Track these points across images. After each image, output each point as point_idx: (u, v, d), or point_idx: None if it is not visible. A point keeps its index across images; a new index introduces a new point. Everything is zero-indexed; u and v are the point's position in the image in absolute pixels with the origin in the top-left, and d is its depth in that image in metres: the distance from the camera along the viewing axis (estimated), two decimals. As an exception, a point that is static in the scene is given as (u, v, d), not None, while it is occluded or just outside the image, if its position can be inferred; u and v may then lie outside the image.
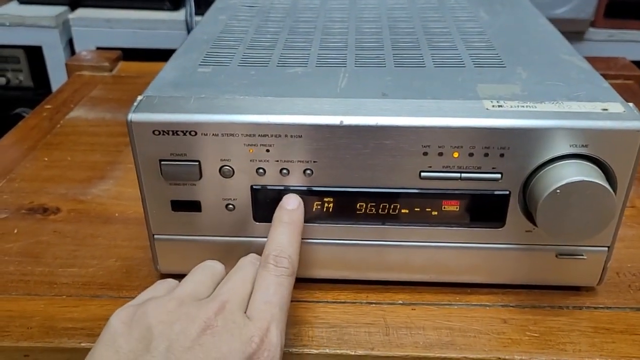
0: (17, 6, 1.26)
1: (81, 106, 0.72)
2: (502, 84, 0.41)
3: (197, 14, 1.23)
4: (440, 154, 0.37)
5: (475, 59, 0.46)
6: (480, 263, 0.41)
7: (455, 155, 0.36)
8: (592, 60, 0.47)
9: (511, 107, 0.37)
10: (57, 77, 1.26)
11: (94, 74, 0.81)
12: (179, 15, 1.26)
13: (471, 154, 0.36)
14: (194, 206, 0.40)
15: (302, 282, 0.42)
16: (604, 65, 0.81)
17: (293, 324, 0.40)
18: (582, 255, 0.40)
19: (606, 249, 0.40)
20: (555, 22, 1.18)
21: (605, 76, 0.43)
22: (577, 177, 0.34)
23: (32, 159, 0.61)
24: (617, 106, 0.37)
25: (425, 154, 0.37)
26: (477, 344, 0.39)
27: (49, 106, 0.72)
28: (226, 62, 0.46)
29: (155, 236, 0.42)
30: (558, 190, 0.34)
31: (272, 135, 0.37)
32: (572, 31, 1.22)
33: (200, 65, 0.45)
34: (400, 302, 0.42)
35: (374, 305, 0.42)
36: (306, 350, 0.39)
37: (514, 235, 0.40)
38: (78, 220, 0.52)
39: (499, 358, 0.38)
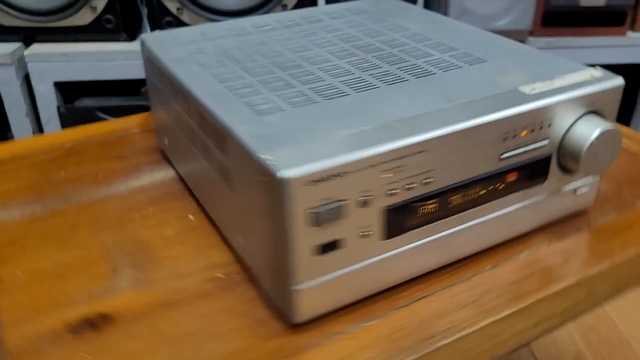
0: (-31, 45, 1.25)
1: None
2: (507, 73, 0.48)
3: (154, 43, 1.25)
4: (514, 136, 0.44)
5: (461, 60, 0.51)
6: (531, 215, 0.49)
7: (523, 134, 0.44)
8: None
9: (541, 89, 0.45)
10: (15, 114, 1.25)
11: None
12: (135, 45, 1.28)
13: (532, 130, 0.44)
14: (337, 245, 0.39)
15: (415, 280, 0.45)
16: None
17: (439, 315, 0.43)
18: (589, 185, 0.51)
19: (598, 178, 0.51)
20: (497, 33, 1.26)
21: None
22: (603, 127, 0.45)
23: (2, 282, 0.46)
24: (594, 72, 0.48)
25: (504, 139, 0.44)
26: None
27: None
28: (276, 107, 0.44)
29: (295, 287, 0.39)
30: (594, 141, 0.45)
31: (401, 157, 0.39)
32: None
33: (257, 116, 0.42)
34: (489, 267, 0.48)
35: (476, 276, 0.47)
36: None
37: (552, 185, 0.48)
38: (140, 317, 0.43)
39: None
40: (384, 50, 0.53)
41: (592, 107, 0.46)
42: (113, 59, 1.25)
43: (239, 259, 0.47)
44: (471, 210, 0.45)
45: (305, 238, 0.37)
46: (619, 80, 0.47)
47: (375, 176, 0.38)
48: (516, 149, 0.44)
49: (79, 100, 1.33)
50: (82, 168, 0.61)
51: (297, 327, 0.41)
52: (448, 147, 0.41)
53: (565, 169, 0.48)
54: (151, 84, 0.58)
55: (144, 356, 0.40)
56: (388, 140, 0.38)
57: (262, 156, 0.37)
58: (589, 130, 0.46)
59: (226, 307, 0.43)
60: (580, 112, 0.46)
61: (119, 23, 1.25)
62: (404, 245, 0.43)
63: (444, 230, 0.44)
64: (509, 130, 0.43)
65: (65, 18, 1.23)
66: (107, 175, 0.59)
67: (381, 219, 0.40)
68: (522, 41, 1.30)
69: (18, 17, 1.22)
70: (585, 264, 0.48)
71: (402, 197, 0.40)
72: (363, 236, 0.40)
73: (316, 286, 0.40)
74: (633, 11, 1.34)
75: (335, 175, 0.36)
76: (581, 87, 0.46)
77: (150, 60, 0.56)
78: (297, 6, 1.25)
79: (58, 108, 1.27)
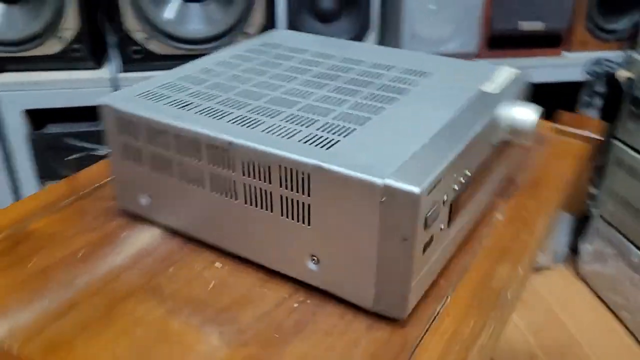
0: None
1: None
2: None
3: (123, 71, 1.30)
4: None
5: (406, 83, 0.59)
6: None
7: None
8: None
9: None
10: (-16, 141, 1.27)
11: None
12: (103, 72, 1.32)
13: None
14: (431, 239, 0.46)
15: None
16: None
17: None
18: None
19: None
20: (445, 56, 1.36)
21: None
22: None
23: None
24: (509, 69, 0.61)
25: None
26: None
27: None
28: (327, 139, 0.47)
29: (412, 285, 0.45)
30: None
31: (461, 159, 0.48)
32: (462, 63, 1.41)
33: (321, 149, 0.46)
34: None
35: None
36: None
37: None
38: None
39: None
40: (343, 77, 0.59)
41: None
42: (81, 87, 1.29)
43: (296, 290, 0.49)
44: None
45: (420, 240, 0.43)
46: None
47: (451, 176, 0.46)
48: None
49: (47, 126, 1.36)
50: (49, 248, 0.54)
51: (403, 322, 0.46)
52: (472, 148, 0.49)
53: None
54: (119, 147, 0.54)
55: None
56: (450, 148, 0.46)
57: (386, 180, 0.41)
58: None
59: (327, 330, 0.45)
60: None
61: (87, 52, 1.29)
62: (454, 229, 0.50)
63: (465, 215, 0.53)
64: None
65: (34, 48, 1.26)
66: (89, 252, 0.53)
67: (447, 211, 0.47)
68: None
69: (-14, 48, 1.25)
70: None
71: (457, 191, 0.48)
72: (442, 229, 0.47)
73: (418, 280, 0.46)
74: (567, 33, 1.47)
75: (439, 182, 0.43)
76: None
77: (124, 122, 0.53)
78: (259, 34, 1.31)
79: (27, 135, 1.30)
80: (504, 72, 0.61)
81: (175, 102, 0.53)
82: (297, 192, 0.45)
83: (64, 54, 1.28)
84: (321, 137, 0.47)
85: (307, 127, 0.49)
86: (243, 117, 0.50)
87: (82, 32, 1.27)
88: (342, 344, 0.44)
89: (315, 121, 0.50)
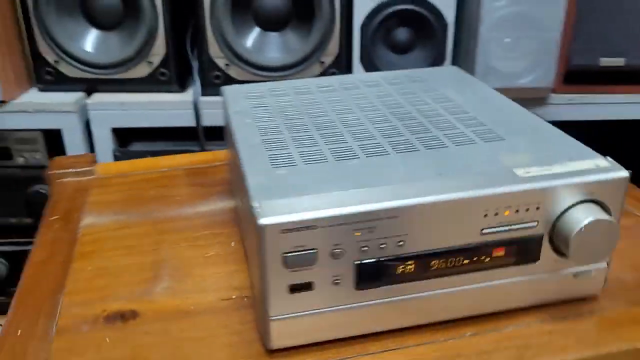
0: (37, 94, 1.39)
1: (88, 213, 0.71)
2: (515, 153, 0.52)
3: (202, 94, 1.37)
4: (496, 214, 0.47)
5: (479, 134, 0.56)
6: (523, 291, 0.52)
7: (506, 213, 0.47)
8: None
9: (536, 172, 0.48)
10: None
11: (79, 179, 0.80)
12: (186, 96, 1.40)
13: (517, 211, 0.48)
14: (308, 286, 0.46)
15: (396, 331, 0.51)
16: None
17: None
18: (592, 272, 0.52)
19: (606, 264, 0.52)
20: (519, 90, 1.35)
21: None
22: (593, 217, 0.47)
23: (77, 271, 0.60)
24: (603, 161, 0.50)
25: (485, 215, 0.47)
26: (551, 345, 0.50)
27: (55, 217, 0.71)
28: (292, 162, 0.51)
29: (271, 317, 0.47)
30: (582, 229, 0.47)
31: (374, 220, 0.45)
32: (536, 97, 1.39)
33: (272, 167, 0.51)
34: (469, 333, 0.51)
35: (452, 340, 0.51)
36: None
37: (547, 266, 0.51)
38: (160, 319, 0.53)
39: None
40: (416, 119, 0.60)
41: (591, 196, 0.48)
42: (165, 108, 1.37)
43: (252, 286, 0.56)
44: (455, 277, 0.49)
45: (278, 277, 0.45)
46: (622, 173, 0.48)
47: (346, 233, 0.44)
48: (499, 226, 0.47)
49: (132, 144, 1.45)
50: (167, 190, 0.75)
51: (274, 352, 0.49)
52: (420, 216, 0.45)
53: (559, 252, 0.50)
54: (227, 126, 0.66)
55: (148, 349, 0.50)
56: (359, 203, 0.44)
57: (253, 204, 0.44)
58: (580, 218, 0.47)
59: (227, 324, 0.53)
60: (576, 199, 0.48)
61: (172, 76, 1.38)
62: (378, 299, 0.48)
63: (424, 292, 0.49)
64: (489, 208, 0.46)
65: (124, 71, 1.36)
66: (184, 199, 0.73)
67: (352, 271, 0.46)
68: (544, 98, 1.38)
69: (81, 70, 1.35)
70: (566, 350, 0.49)
71: (373, 254, 0.45)
72: (335, 283, 0.46)
73: (290, 319, 0.47)
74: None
75: (306, 228, 0.43)
76: (577, 176, 0.48)
77: (224, 107, 0.67)
78: (334, 63, 1.36)
79: (113, 151, 1.39)
80: (584, 162, 0.50)
81: (259, 105, 0.66)
82: (242, 195, 0.56)
83: (151, 77, 1.37)
84: (290, 160, 0.53)
85: (296, 147, 0.55)
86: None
87: (168, 57, 1.35)
88: (221, 340, 0.51)
89: (315, 146, 0.55)
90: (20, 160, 1.44)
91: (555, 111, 1.41)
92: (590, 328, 0.51)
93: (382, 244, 0.45)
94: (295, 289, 0.46)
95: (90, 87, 1.39)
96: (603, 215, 0.47)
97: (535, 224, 0.48)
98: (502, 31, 1.32)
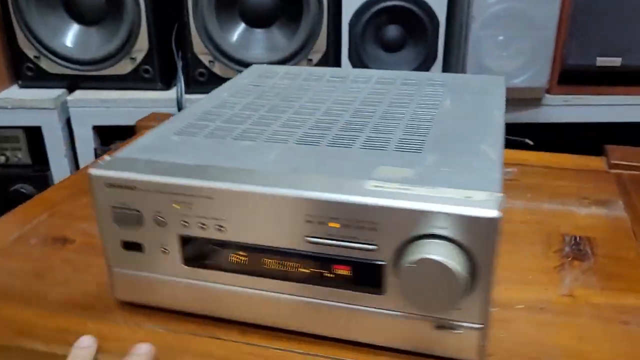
0: (17, 90, 1.35)
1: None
2: (402, 167, 0.45)
3: (186, 92, 1.34)
4: (321, 223, 0.42)
5: (401, 144, 0.50)
6: (366, 324, 0.45)
7: (332, 225, 0.42)
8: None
9: (387, 188, 0.42)
10: (56, 154, 1.34)
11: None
12: (170, 94, 1.36)
13: (347, 226, 0.41)
14: (138, 247, 0.48)
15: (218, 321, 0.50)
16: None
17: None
18: (458, 330, 0.43)
19: (480, 326, 0.42)
20: (513, 90, 1.31)
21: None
22: (424, 255, 0.39)
23: (73, 200, 0.72)
24: (482, 194, 0.40)
25: (308, 221, 0.42)
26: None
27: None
28: (198, 133, 0.54)
29: (113, 269, 0.50)
30: (412, 265, 0.39)
31: (189, 195, 0.45)
32: (530, 98, 1.35)
33: (174, 134, 0.54)
34: (299, 351, 0.47)
35: (275, 349, 0.48)
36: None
37: (394, 302, 0.43)
38: (86, 251, 0.61)
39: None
40: (368, 118, 0.57)
41: (441, 231, 0.40)
42: (148, 106, 1.33)
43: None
44: (294, 284, 0.45)
45: (110, 229, 0.48)
46: (488, 212, 0.39)
47: (165, 202, 0.46)
48: (326, 238, 0.42)
49: (114, 142, 1.41)
50: None
51: (125, 306, 0.52)
52: (235, 203, 0.44)
53: None
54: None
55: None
56: (177, 176, 0.45)
57: (106, 157, 0.49)
58: (415, 253, 0.40)
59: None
60: (422, 230, 0.40)
61: (156, 73, 1.34)
62: (207, 281, 0.48)
63: (257, 289, 0.47)
64: (311, 213, 0.42)
65: (106, 67, 1.32)
66: None
67: (177, 243, 0.47)
68: (539, 99, 1.34)
69: (63, 65, 1.32)
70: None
71: (195, 232, 0.46)
72: (163, 252, 0.48)
73: (130, 276, 0.50)
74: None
75: (126, 187, 0.46)
76: (426, 202, 0.40)
77: None
78: (321, 60, 1.32)
79: (95, 150, 1.35)
80: (461, 191, 0.42)
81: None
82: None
83: (135, 74, 1.34)
84: (208, 132, 0.55)
85: (234, 124, 0.56)
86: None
87: (152, 54, 1.32)
88: (79, 277, 0.58)
89: (259, 126, 0.56)
90: (1, 159, 1.40)
91: (550, 112, 1.37)
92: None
93: (202, 224, 0.45)
94: (127, 246, 0.48)
95: (72, 83, 1.36)
96: (440, 257, 0.39)
97: (373, 247, 0.42)
98: (495, 29, 1.28)
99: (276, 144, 0.51)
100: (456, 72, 1.34)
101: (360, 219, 0.41)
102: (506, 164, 0.75)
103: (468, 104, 0.61)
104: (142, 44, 1.31)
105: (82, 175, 0.79)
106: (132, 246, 0.48)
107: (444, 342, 0.44)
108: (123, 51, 1.31)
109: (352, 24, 1.31)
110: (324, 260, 0.43)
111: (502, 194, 0.41)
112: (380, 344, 0.46)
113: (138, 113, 1.32)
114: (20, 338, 0.50)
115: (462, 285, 0.39)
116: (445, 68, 1.37)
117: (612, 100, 1.37)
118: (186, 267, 0.48)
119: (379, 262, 0.42)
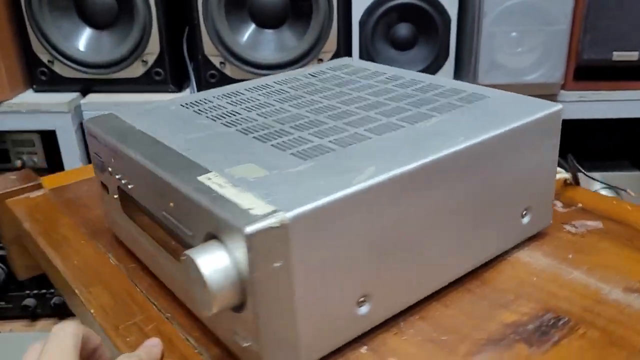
0: (32, 94, 1.37)
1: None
2: (263, 168, 0.44)
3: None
4: (166, 200, 0.45)
5: (310, 150, 0.47)
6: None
7: (171, 204, 0.44)
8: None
9: (213, 183, 0.41)
10: (70, 157, 1.35)
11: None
12: (181, 95, 1.36)
13: (178, 208, 0.43)
14: (106, 189, 0.57)
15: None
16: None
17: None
18: (245, 341, 0.41)
19: (256, 349, 0.39)
20: (527, 87, 1.28)
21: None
22: (189, 252, 0.38)
23: None
24: (267, 208, 0.37)
25: (162, 195, 0.45)
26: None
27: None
28: (193, 108, 0.58)
29: (103, 202, 0.60)
30: (183, 257, 0.38)
31: (119, 157, 0.52)
32: (545, 94, 1.32)
33: (180, 105, 0.59)
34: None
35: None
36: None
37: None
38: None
39: None
40: (347, 113, 0.54)
41: (220, 235, 0.38)
42: (160, 108, 1.34)
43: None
44: (156, 245, 0.50)
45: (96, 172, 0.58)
46: (247, 226, 0.35)
47: (111, 157, 0.53)
48: (169, 215, 0.45)
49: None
50: None
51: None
52: (132, 169, 0.49)
53: None
54: None
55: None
56: (116, 139, 0.51)
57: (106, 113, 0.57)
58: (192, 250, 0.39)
59: None
60: (211, 230, 0.39)
61: (167, 75, 1.35)
62: (133, 230, 0.54)
63: (148, 248, 0.52)
64: (162, 190, 0.44)
65: (119, 71, 1.33)
66: None
67: (117, 193, 0.54)
68: (554, 95, 1.32)
69: (76, 69, 1.33)
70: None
71: (123, 186, 0.52)
72: (114, 198, 0.55)
73: (107, 210, 0.59)
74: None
75: (96, 139, 0.55)
76: (214, 202, 0.39)
77: None
78: (332, 60, 1.31)
79: (108, 153, 1.37)
80: None
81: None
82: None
83: (146, 76, 1.34)
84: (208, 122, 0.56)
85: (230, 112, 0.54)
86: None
87: (163, 56, 1.32)
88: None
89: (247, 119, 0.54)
90: (18, 163, 1.42)
91: (565, 108, 1.33)
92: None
93: (124, 181, 0.52)
94: (102, 186, 0.58)
95: (85, 87, 1.37)
96: (193, 254, 0.37)
97: (190, 233, 0.42)
98: (508, 24, 1.27)
99: (228, 128, 0.53)
100: (468, 68, 1.32)
101: (183, 204, 0.42)
102: (595, 215, 0.61)
103: (460, 123, 0.51)
104: (153, 47, 1.32)
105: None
106: (104, 186, 0.57)
107: (242, 350, 0.41)
108: (135, 54, 1.32)
109: (362, 23, 1.30)
110: (170, 233, 0.46)
111: (290, 214, 0.37)
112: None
113: (150, 115, 1.34)
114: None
115: (215, 294, 0.37)
116: (458, 65, 1.35)
117: (630, 96, 1.34)
118: (124, 213, 0.55)
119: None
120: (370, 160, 0.44)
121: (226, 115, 0.56)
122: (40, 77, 1.35)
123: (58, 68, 1.34)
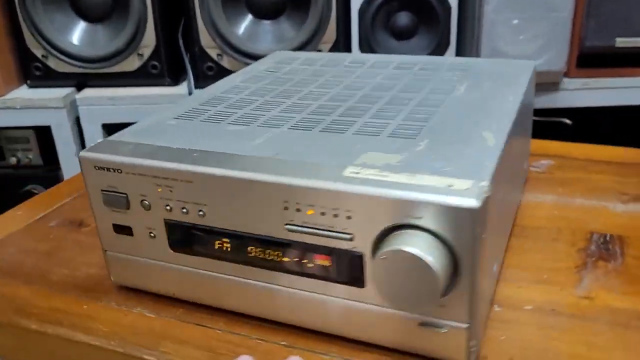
0: (26, 90, 1.35)
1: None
2: (389, 153, 0.43)
3: (196, 87, 1.32)
4: (298, 210, 0.40)
5: (398, 129, 0.48)
6: (348, 318, 0.43)
7: (309, 212, 0.40)
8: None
9: (365, 175, 0.39)
10: (66, 153, 1.33)
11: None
12: (178, 89, 1.34)
13: (323, 213, 0.39)
14: (128, 231, 0.48)
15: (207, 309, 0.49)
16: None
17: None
18: (443, 328, 0.40)
19: (465, 325, 0.39)
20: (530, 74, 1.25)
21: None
22: (396, 246, 0.36)
23: None
24: (464, 183, 0.37)
25: (285, 208, 0.40)
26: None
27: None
28: (196, 117, 0.53)
29: (107, 252, 0.50)
30: (383, 256, 0.37)
31: (169, 179, 0.44)
32: (548, 82, 1.30)
33: (173, 118, 0.53)
34: (283, 342, 0.45)
35: (257, 340, 0.46)
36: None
37: (376, 296, 0.41)
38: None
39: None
40: (373, 103, 0.55)
41: (418, 221, 0.37)
42: (157, 102, 1.32)
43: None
44: (277, 273, 0.44)
45: (102, 212, 0.48)
46: (467, 202, 0.35)
47: (148, 185, 0.45)
48: (303, 226, 0.40)
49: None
50: None
51: (120, 286, 0.52)
52: (213, 186, 0.42)
53: None
54: None
55: None
56: (158, 160, 0.44)
57: (98, 141, 0.49)
58: (391, 244, 0.37)
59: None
60: (398, 219, 0.37)
61: (164, 69, 1.32)
62: (193, 267, 0.47)
63: (242, 277, 0.45)
64: (288, 199, 0.40)
65: (114, 65, 1.31)
66: None
67: (163, 227, 0.46)
68: (557, 83, 1.30)
69: (70, 64, 1.31)
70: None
71: (178, 216, 0.45)
72: (151, 236, 0.47)
73: (123, 259, 0.50)
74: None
75: (113, 170, 0.46)
76: (406, 190, 0.37)
77: None
78: (331, 50, 1.29)
79: (105, 148, 1.34)
80: (445, 179, 0.39)
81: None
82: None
83: (142, 70, 1.32)
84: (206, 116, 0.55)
85: (226, 108, 0.53)
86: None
87: (159, 49, 1.30)
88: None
89: (256, 110, 0.55)
90: (12, 160, 1.40)
91: (568, 96, 1.32)
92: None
93: (183, 208, 0.45)
94: (118, 229, 0.48)
95: (80, 82, 1.35)
96: (411, 248, 0.36)
97: (349, 236, 0.39)
98: (510, 12, 1.24)
99: (270, 128, 0.49)
100: (470, 57, 1.30)
101: (335, 206, 0.39)
102: (542, 156, 0.76)
103: (484, 89, 0.57)
104: (149, 40, 1.29)
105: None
106: (122, 229, 0.48)
107: (429, 340, 0.41)
108: (130, 47, 1.30)
109: (361, 12, 1.27)
110: (303, 249, 0.42)
111: (487, 183, 0.37)
112: (364, 340, 0.44)
113: (147, 110, 1.32)
114: (16, 316, 0.50)
115: (440, 281, 0.36)
116: (459, 54, 1.33)
117: (634, 83, 1.32)
118: (172, 252, 0.47)
119: (356, 253, 0.40)
120: (467, 127, 0.48)
121: (253, 116, 0.53)
122: (35, 73, 1.33)
123: (52, 63, 1.31)
